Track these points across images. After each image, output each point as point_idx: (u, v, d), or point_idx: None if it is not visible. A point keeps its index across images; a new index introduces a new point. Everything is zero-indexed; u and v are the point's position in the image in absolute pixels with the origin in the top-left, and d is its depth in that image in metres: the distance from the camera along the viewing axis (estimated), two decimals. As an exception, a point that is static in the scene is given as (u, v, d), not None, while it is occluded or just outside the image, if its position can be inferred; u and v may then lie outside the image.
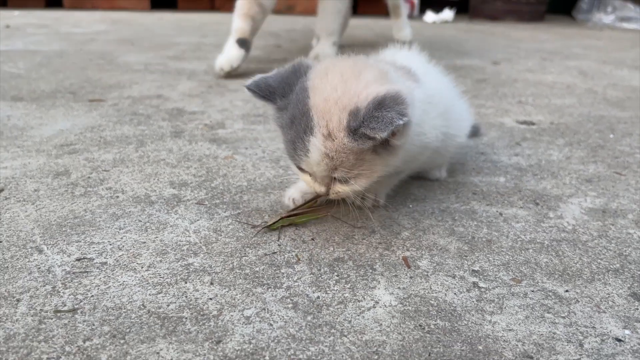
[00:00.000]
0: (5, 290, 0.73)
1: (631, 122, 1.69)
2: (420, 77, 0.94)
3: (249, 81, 0.85)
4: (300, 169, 0.86)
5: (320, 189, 0.86)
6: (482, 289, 0.77)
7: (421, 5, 5.57)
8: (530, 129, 1.59)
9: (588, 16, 5.01)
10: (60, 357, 0.61)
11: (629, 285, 0.80)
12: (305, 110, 0.79)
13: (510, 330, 0.69)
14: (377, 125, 0.74)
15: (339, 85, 0.79)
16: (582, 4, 5.08)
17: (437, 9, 5.21)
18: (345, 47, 2.99)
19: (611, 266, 0.85)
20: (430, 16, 4.97)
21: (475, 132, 1.33)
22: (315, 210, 0.96)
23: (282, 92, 0.84)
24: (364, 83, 0.79)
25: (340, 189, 0.85)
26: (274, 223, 0.91)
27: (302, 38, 3.42)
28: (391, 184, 1.03)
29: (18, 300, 0.71)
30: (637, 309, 0.74)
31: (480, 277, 0.81)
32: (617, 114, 1.78)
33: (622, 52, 3.28)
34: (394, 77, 0.84)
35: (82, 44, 2.90)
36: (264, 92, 0.84)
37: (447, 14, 5.02)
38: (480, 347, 0.65)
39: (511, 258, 0.86)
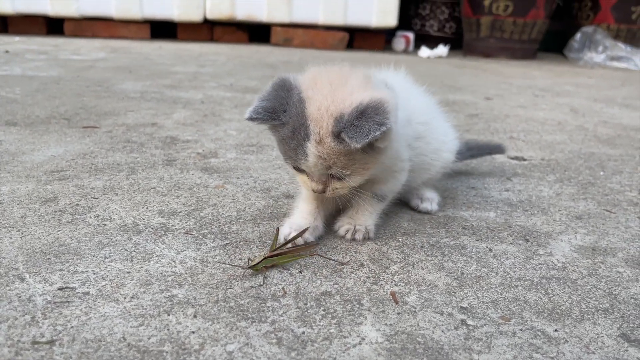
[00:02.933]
0: (-17, 320, 0.71)
1: (621, 159, 1.70)
2: (397, 92, 0.98)
3: (247, 113, 0.89)
4: (299, 170, 0.92)
5: (318, 186, 0.92)
6: (470, 327, 0.76)
7: (416, 41, 5.68)
8: (521, 164, 1.60)
9: (579, 55, 5.10)
10: (35, 391, 0.59)
11: (618, 326, 0.79)
12: (303, 121, 0.86)
13: (497, 370, 0.67)
14: (354, 135, 0.81)
15: (328, 94, 0.86)
16: (574, 43, 5.19)
17: (432, 44, 5.31)
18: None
19: (601, 305, 0.84)
20: (424, 51, 5.06)
21: (497, 150, 1.49)
22: (299, 249, 0.93)
23: (282, 108, 0.89)
24: (350, 89, 0.87)
25: (337, 186, 0.92)
26: (257, 264, 0.87)
27: (298, 69, 3.46)
28: (379, 210, 1.07)
29: (-5, 330, 0.69)
30: (627, 350, 0.73)
31: (469, 314, 0.80)
32: (607, 151, 1.80)
33: (613, 90, 3.33)
34: (378, 83, 0.92)
35: (80, 71, 2.92)
36: (266, 115, 0.89)
37: (442, 49, 5.11)
38: (466, 388, 0.64)
39: (500, 295, 0.85)
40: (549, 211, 1.23)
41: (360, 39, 5.43)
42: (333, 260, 0.94)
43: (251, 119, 0.89)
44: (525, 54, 5.21)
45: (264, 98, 0.90)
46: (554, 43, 5.96)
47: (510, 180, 1.44)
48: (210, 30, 5.31)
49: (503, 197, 1.31)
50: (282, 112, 0.88)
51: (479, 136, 1.92)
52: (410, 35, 5.54)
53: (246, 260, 0.91)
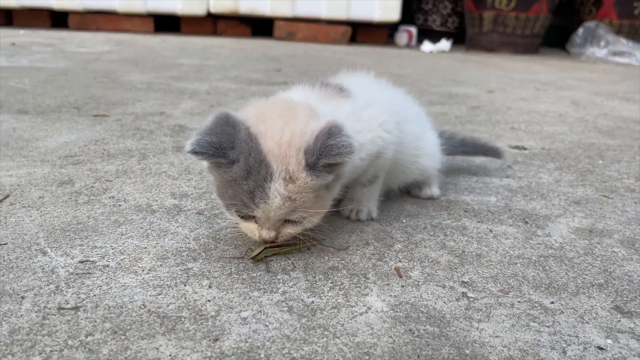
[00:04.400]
0: (10, 288, 0.76)
1: (620, 149, 1.74)
2: (353, 92, 0.99)
3: (190, 145, 0.79)
4: (245, 217, 0.85)
5: (269, 234, 0.84)
6: (471, 299, 0.80)
7: (419, 35, 5.70)
8: (522, 153, 1.64)
9: (582, 50, 5.12)
10: (63, 350, 0.63)
11: (612, 299, 0.83)
12: (260, 159, 0.79)
13: (496, 336, 0.71)
14: (337, 150, 0.78)
15: (284, 128, 0.81)
16: (576, 38, 5.21)
17: (434, 39, 5.33)
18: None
19: (596, 281, 0.88)
20: (427, 46, 5.08)
21: (494, 153, 1.43)
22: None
23: (229, 145, 0.80)
24: (303, 121, 0.82)
25: (290, 231, 0.86)
26: (258, 254, 0.87)
27: (301, 63, 3.49)
28: (378, 191, 1.08)
29: (22, 298, 0.74)
30: (620, 320, 0.77)
31: (469, 287, 0.84)
32: (607, 141, 1.83)
33: (614, 85, 3.36)
34: (323, 111, 0.89)
35: (87, 63, 2.96)
36: (211, 150, 0.79)
37: (444, 44, 5.14)
38: (467, 351, 0.68)
39: (499, 271, 0.89)
40: (548, 196, 1.26)
41: (363, 33, 5.46)
42: (333, 247, 0.96)
43: (194, 152, 0.79)
44: (527, 48, 5.23)
45: (206, 132, 0.81)
46: (556, 38, 5.98)
47: (511, 167, 1.48)
48: (214, 24, 5.34)
49: (504, 183, 1.35)
50: (229, 149, 0.80)
51: (480, 127, 1.96)
52: (413, 30, 5.56)
53: (246, 250, 0.91)
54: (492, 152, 1.43)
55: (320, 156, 0.79)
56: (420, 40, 5.49)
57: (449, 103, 2.40)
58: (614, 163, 1.57)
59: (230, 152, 0.80)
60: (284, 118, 0.83)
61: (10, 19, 4.99)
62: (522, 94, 2.81)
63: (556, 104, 2.54)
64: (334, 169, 0.83)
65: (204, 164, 0.86)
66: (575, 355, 0.68)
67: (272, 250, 0.89)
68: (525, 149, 1.69)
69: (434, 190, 1.22)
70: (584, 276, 0.89)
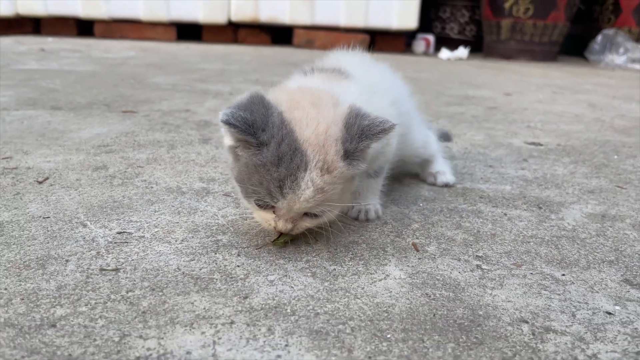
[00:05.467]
0: (55, 253, 0.82)
1: (636, 146, 1.76)
2: (353, 74, 0.98)
3: (224, 115, 0.76)
4: (262, 207, 0.82)
5: (286, 226, 0.82)
6: (485, 270, 0.85)
7: (436, 43, 5.75)
8: (537, 148, 1.67)
9: (600, 57, 5.12)
10: (107, 303, 0.69)
11: (622, 273, 0.86)
12: (295, 146, 0.76)
13: (509, 301, 0.76)
14: (376, 129, 0.79)
15: (318, 116, 0.80)
16: (595, 45, 5.21)
17: (452, 47, 5.37)
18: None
19: (606, 258, 0.91)
20: (445, 53, 5.13)
21: (445, 138, 1.46)
22: None
23: (261, 125, 0.78)
24: (332, 109, 0.82)
25: (307, 224, 0.84)
26: (277, 239, 0.88)
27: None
28: (380, 186, 1.06)
29: (67, 261, 0.80)
30: (629, 291, 0.80)
31: (484, 261, 0.88)
32: (622, 139, 1.86)
33: (632, 89, 3.36)
34: (344, 99, 0.87)
35: (113, 67, 3.06)
36: (244, 126, 0.76)
37: (462, 51, 5.18)
38: (480, 312, 0.72)
39: (513, 248, 0.93)
40: (562, 186, 1.30)
41: (381, 41, 5.52)
42: (349, 227, 1.01)
43: (228, 122, 0.76)
44: (545, 56, 5.25)
45: (240, 107, 0.79)
46: (574, 47, 5.97)
47: (526, 161, 1.52)
48: (235, 32, 5.45)
49: (519, 174, 1.38)
50: (260, 130, 0.77)
51: (496, 125, 1.99)
52: (431, 38, 5.61)
53: (262, 242, 0.90)
54: (443, 137, 1.49)
55: (360, 139, 0.78)
56: (437, 48, 5.54)
57: (465, 104, 2.44)
58: (629, 158, 1.60)
59: (261, 133, 0.77)
60: (315, 106, 0.81)
61: (39, 28, 5.17)
62: (539, 96, 2.84)
63: (573, 106, 2.56)
64: (365, 155, 0.83)
65: (227, 141, 0.83)
66: (584, 318, 0.72)
67: (291, 235, 0.88)
68: (540, 144, 1.72)
69: (448, 177, 1.24)
70: (595, 254, 0.93)
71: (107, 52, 3.83)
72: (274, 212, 0.82)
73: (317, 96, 0.85)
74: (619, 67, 4.94)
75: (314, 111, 0.80)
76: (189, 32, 5.40)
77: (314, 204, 0.79)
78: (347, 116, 0.81)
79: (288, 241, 0.89)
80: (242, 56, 4.13)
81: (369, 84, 0.99)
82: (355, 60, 1.11)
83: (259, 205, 0.82)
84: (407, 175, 1.32)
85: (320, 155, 0.77)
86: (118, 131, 1.57)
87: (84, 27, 5.22)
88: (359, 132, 0.79)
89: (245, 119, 0.77)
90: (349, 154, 0.79)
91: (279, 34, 5.54)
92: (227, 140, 0.83)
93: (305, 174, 0.76)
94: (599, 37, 5.19)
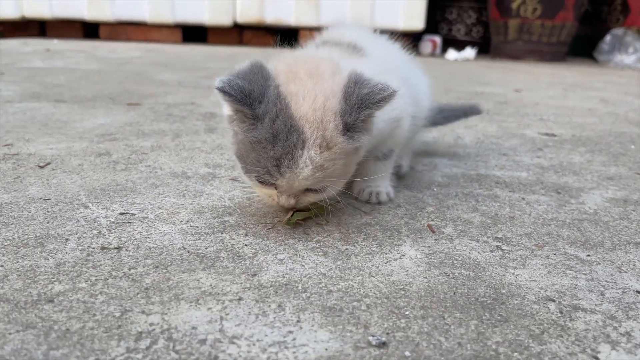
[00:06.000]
0: (55, 232, 0.78)
1: (652, 137, 1.71)
2: (367, 50, 0.93)
3: (219, 82, 0.73)
4: (263, 184, 0.79)
5: (289, 201, 0.79)
6: (505, 251, 0.80)
7: (443, 45, 5.71)
8: (551, 139, 1.62)
9: (609, 57, 5.07)
10: (108, 279, 0.66)
11: (650, 254, 0.82)
12: (290, 123, 0.72)
13: (533, 281, 0.71)
14: (377, 97, 0.73)
15: (315, 89, 0.75)
16: (604, 45, 5.16)
17: (459, 48, 5.34)
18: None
19: (632, 240, 0.87)
20: (452, 54, 5.09)
21: (473, 110, 1.39)
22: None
23: (257, 97, 0.73)
24: (331, 80, 0.77)
25: (310, 199, 0.81)
26: (290, 218, 0.84)
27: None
28: (391, 169, 1.01)
29: (67, 240, 0.76)
30: (658, 272, 0.76)
31: (503, 242, 0.83)
32: (638, 130, 1.81)
33: (644, 87, 3.32)
34: (344, 65, 0.82)
35: (119, 65, 3.04)
36: (240, 95, 0.72)
37: (469, 52, 5.14)
38: (503, 291, 0.68)
39: (533, 230, 0.89)
40: (580, 173, 1.25)
41: (387, 42, 5.49)
42: (360, 210, 0.97)
43: (223, 90, 0.72)
44: (554, 56, 5.20)
45: (239, 75, 0.75)
46: (583, 47, 5.92)
47: (541, 150, 1.47)
48: (240, 34, 5.44)
49: (534, 162, 1.34)
50: (256, 102, 0.73)
51: (508, 118, 1.95)
52: (437, 39, 5.58)
53: (271, 219, 0.88)
54: (471, 110, 1.39)
55: (360, 109, 0.74)
56: (444, 50, 5.51)
57: (475, 99, 2.40)
58: (647, 148, 1.55)
59: (257, 105, 0.73)
60: (313, 77, 0.77)
61: (44, 30, 5.17)
62: (550, 93, 2.79)
63: (585, 101, 2.51)
64: (368, 126, 0.79)
65: (225, 110, 0.79)
66: (613, 297, 0.68)
67: (303, 214, 0.86)
68: (555, 135, 1.67)
69: (404, 166, 1.14)
70: (620, 236, 0.88)
71: (113, 53, 3.82)
72: (275, 188, 0.79)
73: (315, 66, 0.80)
74: (629, 67, 4.89)
75: (311, 83, 0.76)
76: (194, 34, 5.39)
77: (315, 182, 0.75)
78: (347, 85, 0.76)
79: (301, 222, 0.85)
80: (248, 56, 4.07)
81: (384, 61, 0.94)
82: (367, 36, 1.06)
83: (259, 182, 0.79)
84: (420, 162, 1.27)
85: (319, 132, 0.73)
86: (122, 121, 1.54)
87: (89, 30, 5.22)
88: (358, 102, 0.74)
89: (242, 88, 0.73)
90: (349, 127, 0.75)
91: (285, 36, 5.53)
92: (226, 109, 0.79)
93: (303, 152, 0.72)
94: (608, 37, 5.15)
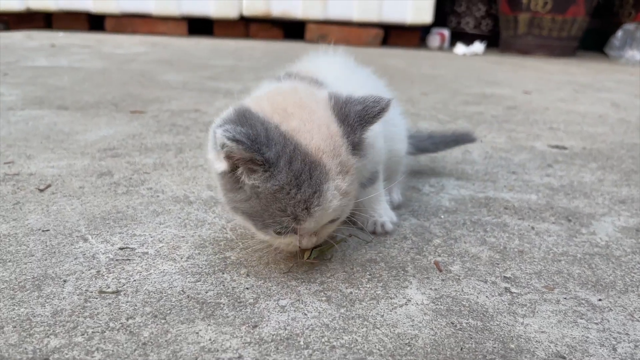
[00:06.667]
0: (53, 272, 0.77)
1: (665, 150, 1.67)
2: (330, 84, 0.89)
3: (225, 131, 0.66)
4: (281, 234, 0.74)
5: (311, 240, 0.76)
6: (514, 294, 0.78)
7: (451, 38, 5.64)
8: (562, 152, 1.59)
9: (620, 53, 4.99)
10: (105, 332, 0.64)
11: (664, 298, 0.79)
12: (310, 160, 0.70)
13: (542, 332, 0.69)
14: (373, 109, 0.73)
15: (314, 119, 0.73)
16: (615, 41, 5.08)
17: (467, 42, 5.27)
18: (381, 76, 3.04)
19: (645, 280, 0.84)
20: (460, 48, 5.03)
21: (466, 139, 1.32)
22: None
23: (264, 141, 0.69)
24: (318, 106, 0.76)
25: (329, 230, 0.79)
26: (309, 255, 0.81)
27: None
28: (382, 189, 0.98)
29: (65, 281, 0.74)
30: (673, 320, 0.73)
31: (512, 283, 0.81)
32: (650, 142, 1.77)
33: (656, 87, 3.26)
34: (315, 91, 0.81)
35: (123, 63, 3.02)
36: (249, 142, 0.67)
37: (477, 46, 5.07)
38: (512, 346, 0.66)
39: (543, 268, 0.87)
40: (591, 195, 1.22)
41: (395, 35, 5.43)
42: (363, 239, 0.93)
43: (235, 139, 0.65)
44: (564, 51, 5.12)
45: (236, 121, 0.71)
46: (594, 42, 5.83)
47: (551, 166, 1.44)
48: (246, 27, 5.38)
49: (544, 181, 1.31)
50: (264, 146, 0.68)
51: (517, 127, 1.91)
52: (446, 33, 5.51)
53: (274, 255, 0.85)
54: (464, 138, 1.31)
55: (361, 126, 0.73)
56: (452, 43, 5.44)
57: (484, 103, 2.36)
58: (660, 164, 1.52)
59: (265, 149, 0.68)
60: (303, 109, 0.74)
61: (50, 22, 5.14)
62: (560, 95, 2.74)
63: (596, 105, 2.47)
64: (368, 141, 0.77)
65: (220, 167, 0.73)
66: (626, 353, 0.66)
67: (316, 251, 0.82)
68: (565, 148, 1.64)
69: (394, 197, 1.09)
70: (633, 274, 0.86)
71: (118, 48, 3.79)
72: (295, 233, 0.74)
73: (297, 97, 0.77)
74: (640, 63, 4.81)
75: (306, 115, 0.73)
76: (200, 26, 5.35)
77: (340, 210, 0.74)
78: (334, 107, 0.75)
79: (317, 255, 0.82)
80: (254, 51, 4.06)
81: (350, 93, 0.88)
82: (334, 67, 1.01)
83: (278, 233, 0.74)
84: (427, 183, 1.25)
85: (336, 159, 0.71)
86: (125, 133, 1.52)
87: (95, 22, 5.19)
88: (357, 120, 0.74)
89: (249, 134, 0.67)
90: (355, 145, 0.74)
91: (291, 29, 5.47)
92: (220, 165, 0.72)
93: (329, 184, 0.70)
94: (619, 33, 5.06)
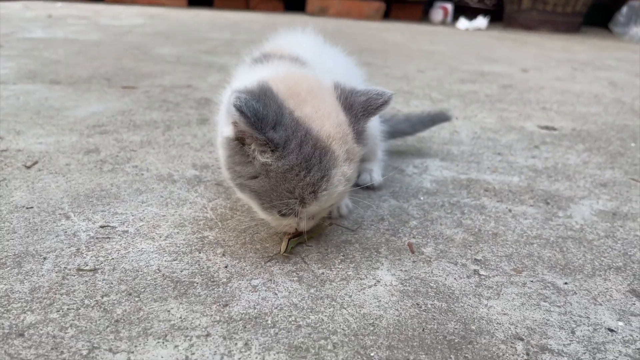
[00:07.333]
0: (34, 249, 0.79)
1: (655, 132, 1.68)
2: (310, 62, 0.90)
3: (237, 99, 0.67)
4: (285, 215, 0.75)
5: (309, 224, 0.79)
6: (482, 276, 0.80)
7: (455, 12, 5.56)
8: (550, 133, 1.60)
9: (625, 29, 4.92)
10: (80, 309, 0.66)
11: (629, 282, 0.81)
12: (321, 145, 0.71)
13: (504, 314, 0.71)
14: (374, 102, 0.77)
15: (324, 107, 0.75)
16: (620, 17, 5.00)
17: (471, 16, 5.20)
18: (375, 51, 3.02)
19: (614, 264, 0.86)
20: (463, 23, 4.97)
21: (441, 118, 1.35)
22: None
23: (271, 123, 0.70)
24: (326, 94, 0.78)
25: (324, 214, 0.82)
26: (286, 249, 0.82)
27: (333, 39, 3.46)
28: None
29: (44, 259, 0.77)
30: (634, 304, 0.76)
31: (482, 265, 0.83)
32: (641, 124, 1.77)
33: (657, 66, 3.23)
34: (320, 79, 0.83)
35: (119, 36, 3.00)
36: (254, 119, 0.68)
37: (481, 21, 5.01)
38: (473, 327, 0.68)
39: (514, 251, 0.88)
40: (573, 178, 1.24)
41: (397, 9, 5.36)
42: (346, 228, 0.95)
43: (241, 110, 0.66)
44: (568, 27, 5.06)
45: (254, 95, 0.71)
46: (599, 17, 5.75)
47: (538, 148, 1.45)
48: (247, -2, 5.32)
49: (529, 163, 1.32)
50: (269, 128, 0.69)
51: (510, 106, 1.91)
52: (449, 6, 5.43)
53: (274, 254, 0.82)
54: (439, 117, 1.34)
55: (365, 116, 0.76)
56: (456, 17, 5.37)
57: (480, 81, 2.35)
58: (647, 146, 1.52)
59: (269, 130, 0.69)
60: (315, 96, 0.76)
61: (49, -8, 5.09)
62: (558, 73, 2.73)
63: (592, 84, 2.46)
64: (367, 132, 0.81)
65: (226, 131, 0.73)
66: (583, 336, 0.68)
67: (295, 240, 0.83)
68: (555, 129, 1.64)
69: (375, 177, 1.10)
70: (602, 258, 0.88)
71: (115, 19, 3.76)
72: (296, 216, 0.75)
73: (309, 83, 0.79)
74: (645, 40, 4.74)
75: (318, 102, 0.75)
76: (200, -3, 5.29)
77: (341, 195, 0.76)
78: (339, 96, 0.78)
79: (294, 246, 0.83)
80: (253, 24, 4.03)
81: (327, 72, 0.90)
82: (308, 45, 1.02)
83: (282, 215, 0.75)
84: (411, 164, 1.26)
85: (344, 147, 0.73)
86: (115, 109, 1.53)
87: (94, -8, 5.14)
88: (361, 110, 0.77)
89: (257, 112, 0.68)
90: (359, 134, 0.77)
91: (292, 1, 5.40)
92: (227, 129, 0.73)
93: (337, 170, 0.72)
94: (624, 9, 4.98)
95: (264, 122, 0.69)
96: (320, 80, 0.81)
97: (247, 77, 0.83)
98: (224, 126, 0.75)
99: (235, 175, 0.76)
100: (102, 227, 0.87)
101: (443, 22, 5.38)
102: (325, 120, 0.73)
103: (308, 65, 0.89)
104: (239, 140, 0.73)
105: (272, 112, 0.71)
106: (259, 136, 0.68)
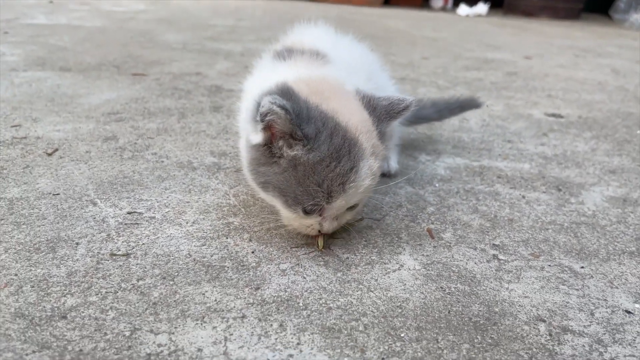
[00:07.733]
0: (65, 235, 0.81)
1: (660, 120, 1.70)
2: (330, 55, 0.92)
3: (273, 99, 0.68)
4: (308, 213, 0.75)
5: (332, 225, 0.78)
6: (502, 261, 0.83)
7: (455, -2, 5.55)
8: (558, 121, 1.62)
9: (625, 16, 4.93)
10: (117, 292, 0.69)
11: (642, 266, 0.84)
12: (350, 137, 0.72)
13: (525, 297, 0.74)
14: (396, 107, 0.80)
15: (349, 105, 0.77)
16: (620, 4, 5.00)
17: (471, 2, 5.19)
18: (378, 38, 3.02)
19: (627, 249, 0.89)
20: (463, 9, 4.96)
21: (471, 104, 1.34)
22: None
23: (305, 118, 0.71)
24: (349, 95, 0.80)
25: (348, 217, 0.82)
26: (323, 243, 0.82)
27: (334, 26, 3.46)
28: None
29: (77, 244, 0.79)
30: (649, 287, 0.78)
31: (500, 250, 0.86)
32: (646, 111, 1.79)
33: (658, 53, 3.24)
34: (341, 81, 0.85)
35: (123, 22, 2.99)
36: (293, 115, 0.69)
37: (481, 7, 5.00)
38: (496, 309, 0.71)
39: (531, 236, 0.91)
40: (583, 165, 1.26)
41: (398, -5, 5.34)
42: (373, 218, 0.98)
43: (284, 107, 0.68)
44: (568, 13, 5.06)
45: (282, 95, 0.72)
46: (599, 3, 5.74)
47: (546, 135, 1.47)
48: (247, -16, 5.28)
49: (538, 150, 1.34)
50: (305, 122, 0.71)
51: (516, 94, 1.93)
52: (449, -7, 5.42)
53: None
54: (469, 104, 1.34)
55: (388, 118, 0.79)
56: (456, 3, 5.36)
57: (484, 69, 2.36)
58: (653, 133, 1.55)
59: (305, 125, 0.70)
60: (338, 95, 0.78)
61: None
62: (561, 60, 2.74)
63: (595, 72, 2.48)
64: (388, 134, 0.84)
65: (255, 138, 0.74)
66: (602, 317, 0.71)
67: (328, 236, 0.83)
68: (561, 116, 1.67)
69: (392, 165, 1.12)
70: (616, 243, 0.90)
71: (117, 5, 3.74)
72: (320, 215, 0.76)
73: (330, 84, 0.81)
74: (645, 27, 4.75)
75: (343, 100, 0.77)
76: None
77: (366, 192, 0.77)
78: (362, 99, 0.80)
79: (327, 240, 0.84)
80: (255, 10, 4.02)
81: (347, 64, 0.93)
82: (325, 38, 1.04)
83: (306, 213, 0.75)
84: (424, 151, 1.28)
85: (370, 141, 0.75)
86: (128, 97, 1.54)
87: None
88: (384, 113, 0.79)
89: (293, 108, 0.69)
90: (381, 135, 0.79)
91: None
92: (257, 136, 0.73)
93: (365, 162, 0.73)
94: (626, -5, 4.98)
95: (300, 117, 0.70)
96: (342, 83, 0.84)
97: (270, 74, 0.85)
98: (251, 133, 0.75)
99: (259, 175, 0.77)
100: (129, 213, 0.89)
101: (443, 8, 5.37)
102: (352, 115, 0.75)
103: (327, 58, 0.91)
104: (267, 145, 0.74)
105: (302, 107, 0.72)
106: (298, 132, 0.69)
